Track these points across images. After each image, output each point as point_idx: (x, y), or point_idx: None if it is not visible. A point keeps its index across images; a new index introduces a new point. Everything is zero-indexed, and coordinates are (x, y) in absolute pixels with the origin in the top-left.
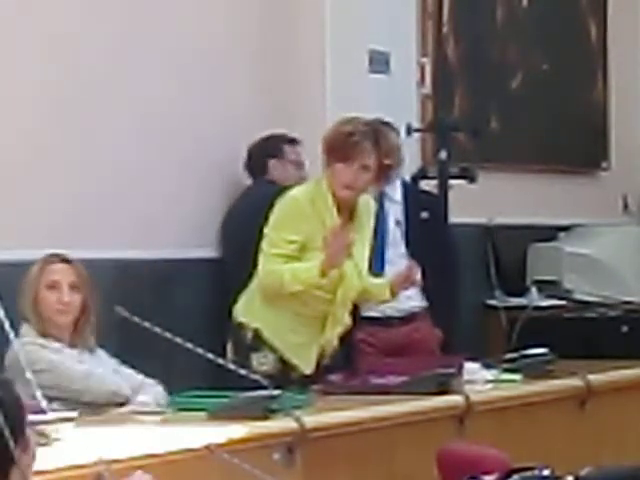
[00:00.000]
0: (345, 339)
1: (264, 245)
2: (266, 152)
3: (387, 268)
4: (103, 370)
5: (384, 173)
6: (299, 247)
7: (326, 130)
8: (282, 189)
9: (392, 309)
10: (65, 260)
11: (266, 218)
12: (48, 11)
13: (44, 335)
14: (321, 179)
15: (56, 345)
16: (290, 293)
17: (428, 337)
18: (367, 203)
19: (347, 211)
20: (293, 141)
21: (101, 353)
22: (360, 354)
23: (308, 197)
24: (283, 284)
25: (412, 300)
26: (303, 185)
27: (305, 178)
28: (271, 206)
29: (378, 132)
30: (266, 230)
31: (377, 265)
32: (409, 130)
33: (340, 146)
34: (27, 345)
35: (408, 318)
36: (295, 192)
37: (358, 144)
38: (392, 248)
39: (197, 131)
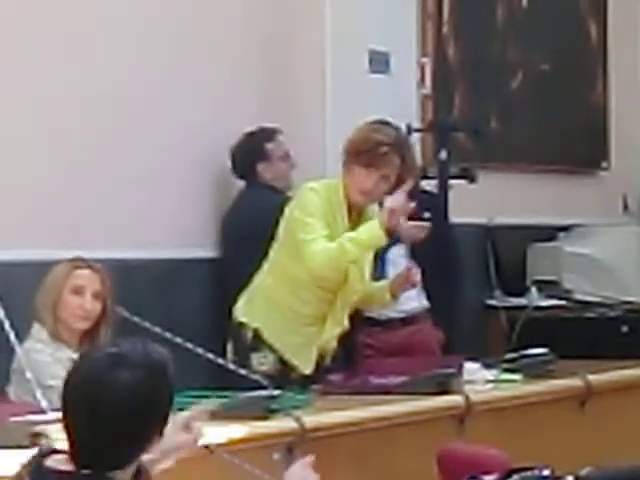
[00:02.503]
0: (346, 341)
1: (300, 234)
2: (251, 155)
3: (389, 269)
4: None
5: (398, 186)
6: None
7: (353, 131)
8: (286, 198)
9: (393, 310)
10: (91, 267)
11: (276, 224)
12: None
13: (54, 337)
14: (336, 181)
15: (68, 353)
16: (293, 293)
17: (429, 338)
18: (373, 209)
19: (356, 213)
20: (273, 134)
21: None
22: (361, 357)
23: (325, 192)
24: (346, 254)
25: (413, 301)
26: (317, 182)
27: (294, 165)
28: (280, 212)
29: (406, 147)
30: (296, 221)
31: (379, 267)
32: (409, 130)
33: (366, 152)
34: (39, 353)
35: (409, 319)
36: (313, 185)
37: (386, 156)
38: (394, 248)
39: (196, 131)
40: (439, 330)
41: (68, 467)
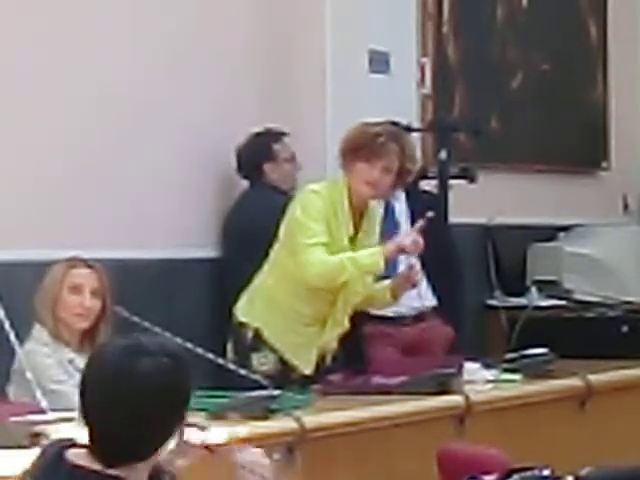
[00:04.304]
0: (349, 339)
1: (300, 237)
2: (258, 155)
3: (400, 268)
4: None
5: (402, 178)
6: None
7: (346, 132)
8: (289, 199)
9: (405, 307)
10: (88, 265)
11: (276, 228)
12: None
13: (55, 338)
14: (338, 181)
15: (68, 353)
16: (294, 293)
17: (440, 335)
18: (374, 210)
19: (358, 217)
20: (280, 136)
21: None
22: (371, 346)
23: (327, 194)
24: (344, 272)
25: (424, 298)
26: (320, 183)
27: (299, 168)
28: (282, 213)
29: (403, 136)
30: (297, 223)
31: (390, 266)
32: (409, 130)
33: (365, 146)
34: (40, 355)
35: (421, 316)
36: (315, 187)
37: (384, 145)
38: None
39: (196, 132)
40: (449, 327)
41: (94, 465)
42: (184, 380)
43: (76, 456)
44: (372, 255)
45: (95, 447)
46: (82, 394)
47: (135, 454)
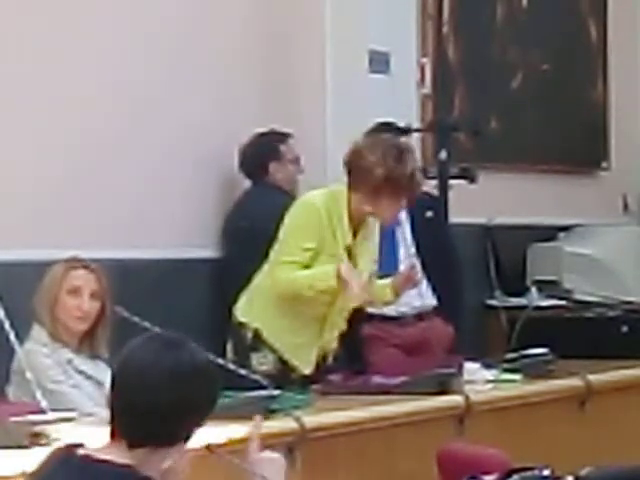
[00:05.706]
0: (349, 337)
1: (278, 251)
2: (264, 154)
3: (401, 266)
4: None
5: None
6: (313, 255)
7: (373, 166)
8: (292, 198)
9: (407, 307)
10: (87, 267)
11: (277, 228)
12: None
13: (54, 338)
14: (340, 194)
15: (67, 354)
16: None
17: (441, 335)
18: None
19: (357, 221)
20: (285, 137)
21: (103, 365)
22: (372, 349)
23: (325, 206)
24: (301, 291)
25: (424, 297)
26: (319, 192)
27: (302, 171)
28: (283, 213)
29: (413, 160)
30: (281, 236)
31: (391, 264)
32: (409, 130)
33: (396, 185)
34: (40, 355)
35: (421, 316)
36: (313, 199)
37: (411, 184)
38: (403, 248)
39: (196, 132)
40: (450, 327)
41: (106, 455)
42: (215, 375)
43: (86, 450)
44: (327, 280)
45: (120, 426)
46: (116, 382)
47: (157, 437)
